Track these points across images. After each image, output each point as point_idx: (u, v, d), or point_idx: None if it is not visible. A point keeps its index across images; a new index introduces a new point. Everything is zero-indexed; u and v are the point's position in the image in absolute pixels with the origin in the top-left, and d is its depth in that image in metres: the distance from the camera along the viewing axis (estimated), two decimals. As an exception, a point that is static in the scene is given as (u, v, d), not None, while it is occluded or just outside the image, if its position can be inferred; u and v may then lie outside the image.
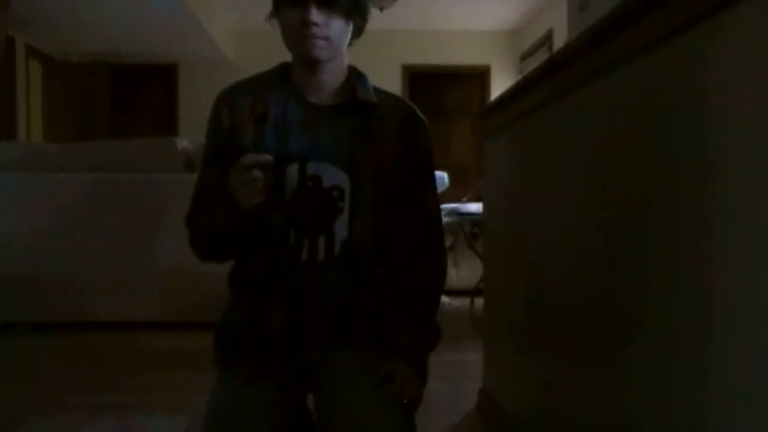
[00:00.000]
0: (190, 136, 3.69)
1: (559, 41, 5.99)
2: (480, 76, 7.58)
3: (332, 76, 1.13)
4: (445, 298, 4.22)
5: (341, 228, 1.10)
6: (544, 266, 1.36)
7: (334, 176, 1.10)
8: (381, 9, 5.67)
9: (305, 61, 1.10)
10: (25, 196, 3.13)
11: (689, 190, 0.77)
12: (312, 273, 1.10)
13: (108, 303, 3.11)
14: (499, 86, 7.15)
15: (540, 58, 5.12)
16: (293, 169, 1.09)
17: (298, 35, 1.06)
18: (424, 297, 1.20)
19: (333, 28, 1.06)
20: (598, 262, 1.06)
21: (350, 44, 1.15)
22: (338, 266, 1.10)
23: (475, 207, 3.75)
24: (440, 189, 3.63)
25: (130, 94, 7.37)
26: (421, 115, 1.20)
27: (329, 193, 1.10)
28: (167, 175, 3.06)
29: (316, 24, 1.04)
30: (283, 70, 1.17)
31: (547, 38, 6.42)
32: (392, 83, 7.15)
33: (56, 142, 5.25)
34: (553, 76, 1.26)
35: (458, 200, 4.26)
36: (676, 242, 0.80)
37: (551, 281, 1.31)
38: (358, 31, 1.14)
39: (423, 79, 7.50)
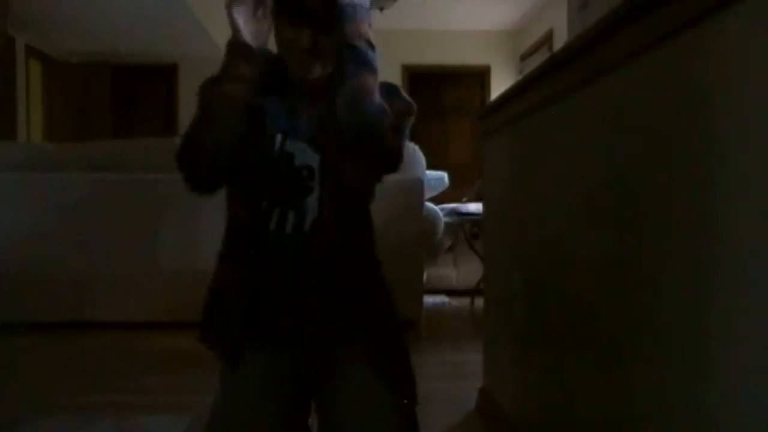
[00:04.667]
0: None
1: (559, 41, 5.99)
2: (480, 76, 7.58)
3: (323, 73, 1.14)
4: (445, 298, 4.23)
5: (312, 206, 1.10)
6: (544, 266, 1.36)
7: (305, 155, 1.10)
8: (381, 9, 5.67)
9: (298, 73, 1.11)
10: (25, 196, 3.13)
11: (691, 189, 0.77)
12: (278, 244, 1.09)
13: (108, 303, 3.11)
14: (499, 86, 7.16)
15: (540, 58, 5.12)
16: (277, 141, 1.10)
17: (293, 54, 1.07)
18: None
19: (330, 48, 1.05)
20: (598, 262, 1.05)
21: None
22: (306, 243, 1.09)
23: (475, 207, 3.75)
24: (440, 189, 3.64)
25: (130, 94, 7.37)
26: (411, 100, 1.16)
27: (299, 171, 1.10)
28: (167, 175, 3.06)
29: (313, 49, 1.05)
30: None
31: (547, 38, 6.42)
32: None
33: (56, 142, 5.25)
34: (553, 76, 1.26)
35: (458, 200, 4.26)
36: (678, 242, 0.80)
37: (551, 281, 1.31)
38: None
39: (423, 79, 7.50)
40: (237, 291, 1.10)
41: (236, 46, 1.03)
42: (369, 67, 1.00)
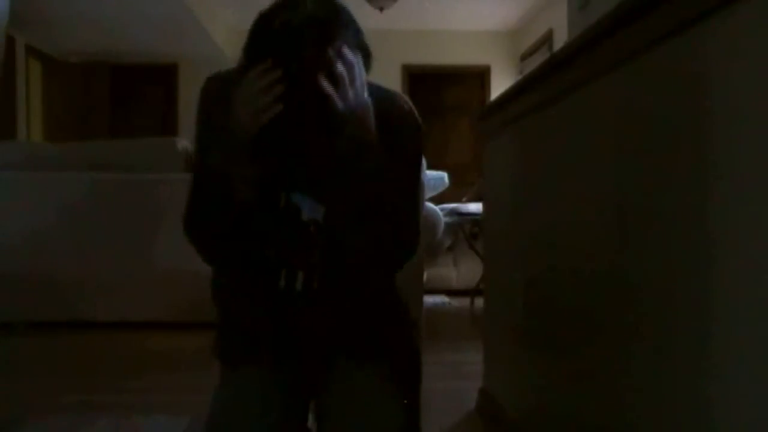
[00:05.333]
0: (190, 136, 3.69)
1: (559, 41, 5.99)
2: (480, 76, 7.58)
3: None
4: (445, 298, 4.23)
5: (322, 260, 1.04)
6: (544, 266, 1.35)
7: (312, 209, 1.04)
8: (381, 9, 5.67)
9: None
10: (25, 196, 3.13)
11: (691, 189, 0.77)
12: (290, 303, 1.05)
13: (108, 303, 3.11)
14: (499, 86, 7.15)
15: (540, 58, 5.12)
16: (282, 196, 1.04)
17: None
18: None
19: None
20: (598, 262, 1.05)
21: None
22: (317, 299, 1.05)
23: (475, 207, 3.76)
24: (440, 189, 3.64)
25: (130, 94, 7.37)
26: (417, 118, 1.11)
27: (307, 227, 1.04)
28: (167, 175, 3.06)
29: None
30: None
31: (547, 38, 6.42)
32: (392, 83, 7.12)
33: (56, 142, 5.25)
34: (553, 76, 1.25)
35: (458, 200, 4.26)
36: (678, 241, 0.80)
37: (551, 281, 1.31)
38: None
39: (423, 79, 7.50)
40: (248, 335, 1.09)
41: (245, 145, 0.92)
42: (376, 175, 0.96)
